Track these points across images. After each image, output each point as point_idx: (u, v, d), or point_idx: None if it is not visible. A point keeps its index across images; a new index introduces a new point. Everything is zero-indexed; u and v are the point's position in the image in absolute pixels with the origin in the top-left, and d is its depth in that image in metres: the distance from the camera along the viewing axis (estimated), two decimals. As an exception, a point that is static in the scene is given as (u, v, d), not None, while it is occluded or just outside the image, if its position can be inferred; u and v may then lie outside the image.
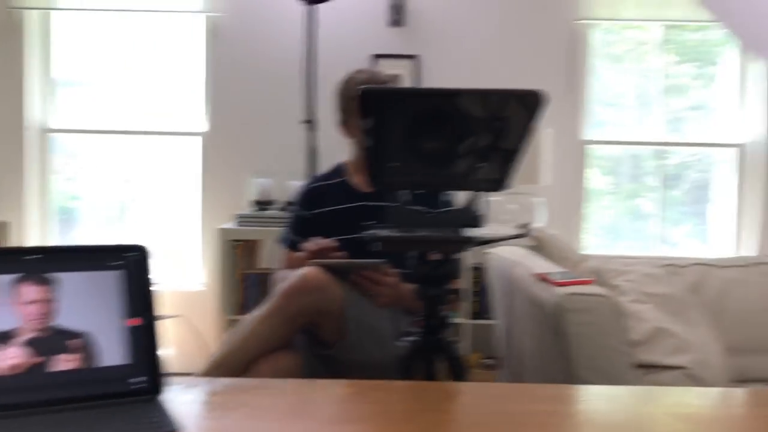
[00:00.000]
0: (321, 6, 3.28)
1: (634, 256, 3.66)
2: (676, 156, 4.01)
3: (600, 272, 2.23)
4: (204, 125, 3.86)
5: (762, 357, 2.29)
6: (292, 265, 2.15)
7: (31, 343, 0.84)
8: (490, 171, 1.31)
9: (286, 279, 1.93)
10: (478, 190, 1.34)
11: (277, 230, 2.59)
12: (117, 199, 3.98)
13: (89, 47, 3.96)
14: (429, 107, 1.23)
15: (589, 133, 3.89)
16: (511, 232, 1.48)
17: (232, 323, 3.31)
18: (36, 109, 3.88)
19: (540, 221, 3.52)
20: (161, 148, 3.95)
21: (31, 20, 3.83)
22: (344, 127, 2.29)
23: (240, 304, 3.47)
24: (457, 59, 3.81)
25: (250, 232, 3.48)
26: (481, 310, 3.49)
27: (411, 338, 1.36)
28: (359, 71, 2.31)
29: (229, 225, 3.52)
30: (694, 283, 2.36)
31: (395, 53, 3.77)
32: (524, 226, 1.37)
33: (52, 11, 3.86)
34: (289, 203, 3.29)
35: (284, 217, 3.13)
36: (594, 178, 4.00)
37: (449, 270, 1.32)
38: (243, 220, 3.48)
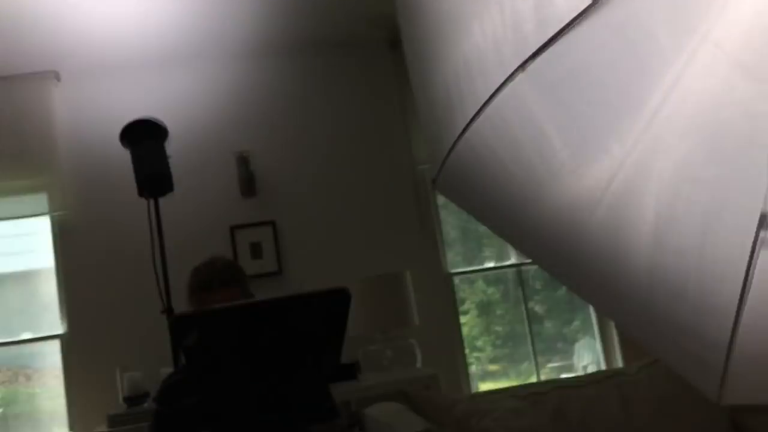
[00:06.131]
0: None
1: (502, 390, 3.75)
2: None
3: (466, 417, 2.30)
4: (61, 326, 3.73)
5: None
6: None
7: None
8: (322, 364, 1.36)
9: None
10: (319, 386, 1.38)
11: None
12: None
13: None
14: (241, 325, 1.28)
15: (459, 259, 4.07)
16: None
17: None
18: None
19: (418, 362, 3.59)
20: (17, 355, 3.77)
21: None
22: None
23: None
24: (312, 220, 3.94)
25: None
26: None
27: None
28: (202, 267, 2.36)
29: (102, 428, 3.33)
30: (556, 408, 2.46)
31: (251, 222, 3.87)
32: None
33: None
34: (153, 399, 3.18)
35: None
36: (482, 291, 4.13)
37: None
38: (116, 419, 3.30)
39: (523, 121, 1.09)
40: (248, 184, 3.88)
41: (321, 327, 1.32)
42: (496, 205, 1.21)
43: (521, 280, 4.15)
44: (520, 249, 2.26)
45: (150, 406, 3.37)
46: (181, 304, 3.08)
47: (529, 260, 3.89)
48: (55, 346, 3.74)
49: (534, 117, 1.07)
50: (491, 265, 4.18)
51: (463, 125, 1.15)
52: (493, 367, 4.15)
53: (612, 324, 3.99)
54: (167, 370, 3.22)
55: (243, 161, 3.88)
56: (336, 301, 1.31)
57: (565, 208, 1.10)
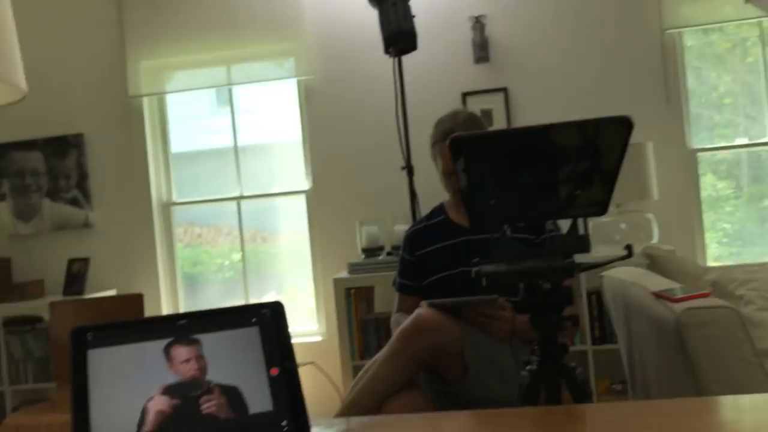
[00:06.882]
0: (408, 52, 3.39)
1: (759, 263, 3.50)
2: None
3: (721, 283, 2.18)
4: (307, 183, 4.07)
5: None
6: (408, 309, 2.24)
7: (187, 398, 0.94)
8: (590, 195, 1.33)
9: (403, 323, 2.02)
10: (579, 216, 1.35)
11: (388, 275, 2.69)
12: (234, 260, 4.23)
13: (201, 122, 4.31)
14: (519, 146, 1.28)
15: (697, 140, 3.80)
16: (618, 253, 1.48)
17: (356, 369, 3.41)
18: (160, 184, 4.22)
19: (654, 237, 3.44)
20: (271, 208, 4.20)
21: (149, 105, 4.20)
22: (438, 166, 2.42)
23: (361, 350, 3.57)
24: (546, 87, 3.83)
25: (363, 279, 3.57)
26: (602, 335, 3.42)
27: (531, 368, 1.39)
28: (446, 118, 2.40)
29: (343, 274, 3.64)
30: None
31: (483, 89, 3.85)
32: (629, 246, 1.35)
33: (166, 95, 4.22)
34: (397, 248, 3.39)
35: (395, 261, 3.22)
36: (711, 185, 3.86)
37: (560, 298, 1.34)
38: (355, 268, 3.59)
39: None
40: (481, 50, 3.82)
41: (599, 156, 1.28)
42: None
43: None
44: None
45: (385, 257, 3.61)
46: (420, 161, 3.21)
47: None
48: (302, 199, 4.11)
49: None
50: (739, 143, 3.81)
51: None
52: (729, 252, 3.87)
53: None
54: (400, 227, 3.43)
55: (479, 26, 3.81)
56: (619, 127, 1.25)
57: None
